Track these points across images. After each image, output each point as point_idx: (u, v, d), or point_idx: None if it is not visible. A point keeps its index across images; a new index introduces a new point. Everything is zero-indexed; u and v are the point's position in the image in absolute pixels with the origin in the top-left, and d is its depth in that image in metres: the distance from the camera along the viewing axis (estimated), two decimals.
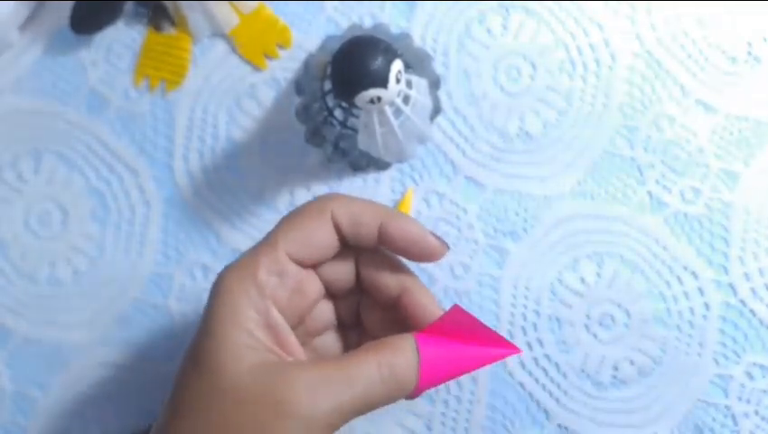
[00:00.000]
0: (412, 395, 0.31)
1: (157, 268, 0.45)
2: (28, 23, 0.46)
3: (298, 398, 0.28)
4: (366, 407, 0.30)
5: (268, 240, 0.32)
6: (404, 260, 0.34)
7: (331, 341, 0.36)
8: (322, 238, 0.32)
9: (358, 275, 0.34)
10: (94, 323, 0.45)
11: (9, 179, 0.46)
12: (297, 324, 0.33)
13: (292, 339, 0.31)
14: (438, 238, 0.33)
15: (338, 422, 0.29)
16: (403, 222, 0.32)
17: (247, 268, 0.31)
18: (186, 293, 0.45)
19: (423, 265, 0.44)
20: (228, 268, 0.31)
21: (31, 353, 0.45)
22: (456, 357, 0.31)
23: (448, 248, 0.33)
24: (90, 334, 0.45)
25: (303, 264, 0.32)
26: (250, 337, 0.30)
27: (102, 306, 0.45)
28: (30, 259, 0.46)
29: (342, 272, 0.34)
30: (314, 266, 0.33)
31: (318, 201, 0.33)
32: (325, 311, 0.35)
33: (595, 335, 0.44)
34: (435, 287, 0.44)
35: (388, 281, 0.33)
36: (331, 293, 0.35)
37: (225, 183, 0.45)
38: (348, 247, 0.33)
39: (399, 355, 0.30)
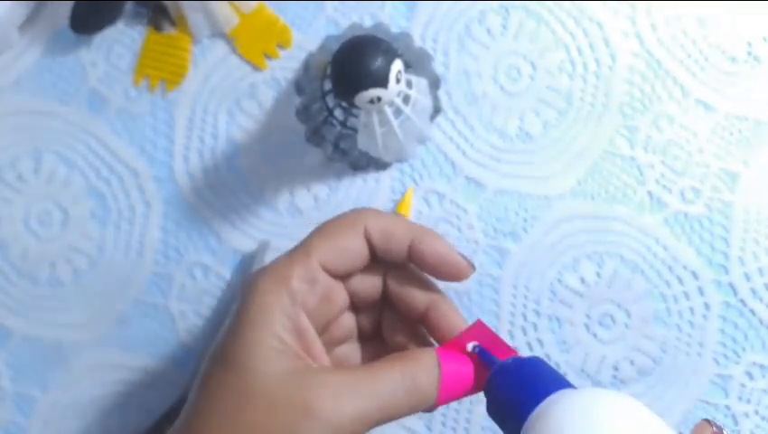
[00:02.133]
0: (431, 409, 0.32)
1: (157, 268, 0.45)
2: (28, 23, 0.46)
3: (325, 403, 0.29)
4: (389, 417, 0.30)
5: (302, 248, 0.33)
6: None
7: (350, 351, 0.36)
8: (354, 250, 0.33)
9: (384, 289, 0.35)
10: (94, 323, 0.45)
11: (9, 179, 0.46)
12: (322, 332, 0.34)
13: (318, 346, 0.32)
14: (465, 258, 0.33)
15: (361, 429, 0.29)
16: (434, 241, 0.33)
17: (281, 274, 0.32)
18: (186, 293, 0.45)
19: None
20: (261, 272, 0.32)
21: (31, 353, 0.45)
22: (475, 374, 0.32)
23: (474, 269, 0.33)
24: (90, 334, 0.45)
25: (333, 274, 0.33)
26: (280, 342, 0.30)
27: (102, 306, 0.45)
28: (30, 259, 0.46)
29: (369, 285, 0.34)
30: (343, 277, 0.34)
31: (352, 213, 0.34)
32: (348, 321, 0.35)
33: (595, 335, 0.44)
34: None
35: (416, 296, 0.34)
36: (355, 304, 0.35)
37: (225, 183, 0.45)
38: (376, 260, 0.34)
39: (423, 368, 0.31)
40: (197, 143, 0.46)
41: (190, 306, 0.45)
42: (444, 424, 0.44)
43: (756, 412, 0.44)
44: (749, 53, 0.45)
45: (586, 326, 0.44)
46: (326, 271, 0.32)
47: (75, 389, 0.45)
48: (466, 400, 0.44)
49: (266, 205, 0.45)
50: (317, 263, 0.32)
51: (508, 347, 0.32)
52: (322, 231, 0.33)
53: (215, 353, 0.31)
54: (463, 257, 0.33)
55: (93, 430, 0.45)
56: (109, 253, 0.45)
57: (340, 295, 0.34)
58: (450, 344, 0.32)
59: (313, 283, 0.32)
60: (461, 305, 0.44)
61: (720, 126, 0.45)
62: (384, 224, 0.33)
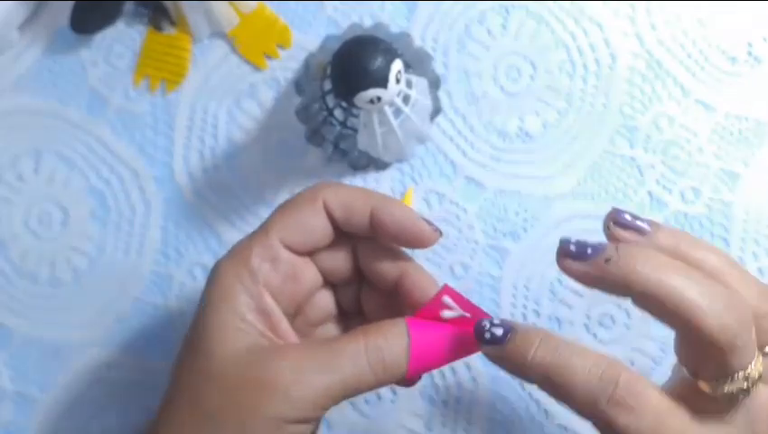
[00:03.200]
0: (406, 381, 0.31)
1: (157, 268, 0.45)
2: (28, 23, 0.46)
3: (283, 379, 0.29)
4: (354, 390, 0.30)
5: (262, 228, 0.33)
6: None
7: (332, 331, 0.36)
8: (314, 224, 0.32)
9: (355, 263, 0.34)
10: (94, 323, 0.45)
11: (9, 179, 0.46)
12: (295, 312, 0.34)
13: (285, 325, 0.32)
14: (430, 223, 0.33)
15: (326, 403, 0.29)
16: (394, 208, 0.32)
17: (240, 255, 0.32)
18: (186, 293, 0.45)
19: (423, 264, 0.44)
20: (223, 257, 0.32)
21: (31, 353, 0.45)
22: (450, 340, 0.31)
23: (440, 234, 0.33)
24: (90, 334, 0.45)
25: (297, 251, 0.33)
26: (242, 321, 0.30)
27: (102, 306, 0.45)
28: (30, 259, 0.46)
29: (339, 260, 0.34)
30: (310, 254, 0.33)
31: (310, 189, 0.33)
32: (325, 300, 0.35)
33: (595, 335, 0.44)
34: None
35: (385, 266, 0.34)
36: (330, 282, 0.35)
37: (225, 183, 0.45)
38: (344, 235, 0.34)
39: (389, 339, 0.30)
40: (197, 143, 0.46)
41: (190, 306, 0.45)
42: (444, 424, 0.44)
43: None
44: (749, 53, 0.45)
45: (586, 326, 0.44)
46: (288, 249, 0.32)
47: (75, 389, 0.45)
48: (466, 400, 0.44)
49: (267, 205, 0.45)
50: (277, 241, 0.32)
51: (481, 311, 0.32)
52: (280, 209, 0.33)
53: (185, 339, 0.31)
54: (428, 222, 0.33)
55: (93, 430, 0.45)
56: (109, 253, 0.45)
57: (308, 272, 0.33)
58: (423, 311, 0.32)
59: (274, 261, 0.32)
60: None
61: (720, 126, 0.45)
62: (343, 197, 0.33)
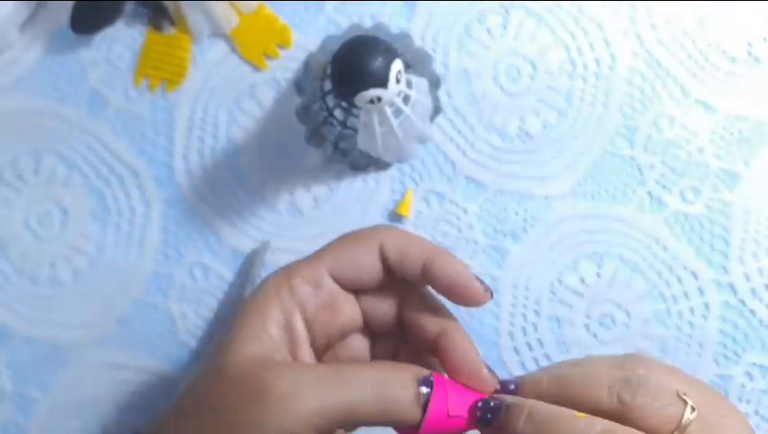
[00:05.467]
0: (417, 429, 0.30)
1: (157, 268, 0.45)
2: (28, 23, 0.46)
3: (281, 388, 0.28)
4: (352, 417, 0.29)
5: (315, 254, 0.33)
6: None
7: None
8: (365, 262, 0.33)
9: (398, 316, 0.34)
10: (94, 323, 0.45)
11: (9, 179, 0.46)
12: (326, 346, 0.33)
13: (306, 350, 0.32)
14: (482, 282, 0.32)
15: (321, 424, 0.28)
16: (449, 262, 0.32)
17: (285, 273, 0.32)
18: (186, 293, 0.45)
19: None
20: (272, 272, 0.33)
21: (31, 353, 0.45)
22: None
23: (492, 295, 0.33)
24: (90, 334, 0.45)
25: (342, 284, 0.33)
26: (265, 332, 0.31)
27: (102, 306, 0.45)
28: (30, 259, 0.46)
29: (383, 306, 0.34)
30: (356, 292, 0.33)
31: (371, 228, 0.34)
32: (359, 345, 0.35)
33: (595, 335, 0.44)
34: None
35: (427, 321, 0.33)
36: (370, 328, 0.34)
37: (225, 183, 0.45)
38: (394, 283, 0.33)
39: (398, 377, 0.30)
40: (197, 143, 0.46)
41: (190, 307, 0.45)
42: None
43: (756, 412, 0.44)
44: (749, 53, 0.45)
45: (586, 327, 0.44)
46: (335, 280, 0.32)
47: (75, 389, 0.45)
48: None
49: (266, 205, 0.45)
50: (325, 269, 0.32)
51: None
52: (337, 240, 0.33)
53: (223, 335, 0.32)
54: (480, 281, 0.32)
55: (93, 430, 0.45)
56: (109, 253, 0.45)
57: (348, 308, 0.33)
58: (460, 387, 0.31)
59: (316, 286, 0.32)
60: None
61: (720, 126, 0.45)
62: (400, 241, 0.33)
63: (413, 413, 0.30)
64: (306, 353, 0.32)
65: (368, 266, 0.33)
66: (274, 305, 0.31)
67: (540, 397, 0.30)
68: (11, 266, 0.46)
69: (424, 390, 0.30)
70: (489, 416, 0.30)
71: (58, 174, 0.46)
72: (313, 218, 0.45)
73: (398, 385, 0.30)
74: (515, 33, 0.46)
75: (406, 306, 0.34)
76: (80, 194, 0.46)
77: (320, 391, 0.29)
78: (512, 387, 0.31)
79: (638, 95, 0.45)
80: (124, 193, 0.46)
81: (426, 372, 0.30)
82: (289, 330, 0.31)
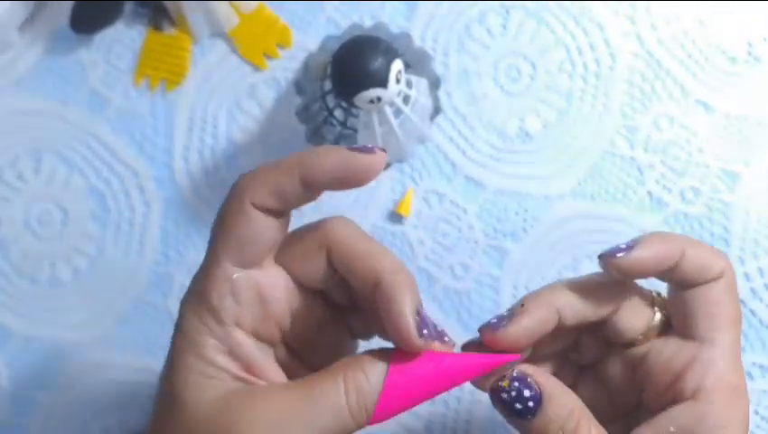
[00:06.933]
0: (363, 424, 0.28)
1: (157, 268, 0.45)
2: (28, 23, 0.46)
3: None
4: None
5: (211, 255, 0.29)
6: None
7: (331, 334, 0.32)
8: (254, 230, 0.29)
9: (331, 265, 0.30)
10: (94, 323, 0.45)
11: (9, 179, 0.46)
12: (282, 330, 0.30)
13: (262, 360, 0.29)
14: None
15: None
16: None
17: (199, 294, 0.28)
18: None
19: (423, 265, 0.44)
20: (184, 297, 0.29)
21: (31, 353, 0.45)
22: (436, 373, 0.28)
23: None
24: (90, 334, 0.45)
25: (251, 265, 0.29)
26: (212, 367, 0.28)
27: (102, 306, 0.45)
28: (30, 259, 0.46)
29: (314, 264, 0.30)
30: (260, 265, 0.30)
31: (228, 202, 0.30)
32: (312, 307, 0.31)
33: None
34: (436, 287, 0.44)
35: (361, 273, 0.29)
36: (313, 287, 0.31)
37: (225, 184, 0.45)
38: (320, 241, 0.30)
39: (370, 378, 0.27)
40: (197, 143, 0.46)
41: None
42: (443, 424, 0.44)
43: (756, 412, 0.44)
44: (749, 53, 0.45)
45: None
46: (240, 265, 0.28)
47: (75, 389, 0.45)
48: (466, 400, 0.44)
49: None
50: (229, 265, 0.28)
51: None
52: (217, 225, 0.29)
53: (158, 387, 0.29)
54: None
55: (93, 430, 0.45)
56: (109, 253, 0.45)
57: (276, 289, 0.30)
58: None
59: (234, 293, 0.28)
60: (461, 305, 0.44)
61: (720, 126, 0.45)
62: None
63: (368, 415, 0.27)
64: (263, 363, 0.29)
65: (260, 231, 0.28)
66: (204, 334, 0.28)
67: None
68: (11, 266, 0.46)
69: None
70: (525, 406, 0.28)
71: (58, 174, 0.46)
72: (313, 218, 0.45)
73: (371, 389, 0.27)
74: (515, 33, 0.46)
75: (334, 261, 0.30)
76: (80, 194, 0.46)
77: (297, 428, 0.26)
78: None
79: (638, 95, 0.45)
80: (124, 193, 0.46)
81: (382, 362, 0.27)
82: (232, 352, 0.28)
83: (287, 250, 0.30)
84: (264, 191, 0.28)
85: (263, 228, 0.29)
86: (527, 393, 0.28)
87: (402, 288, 0.28)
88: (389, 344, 0.29)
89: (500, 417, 0.29)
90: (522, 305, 0.30)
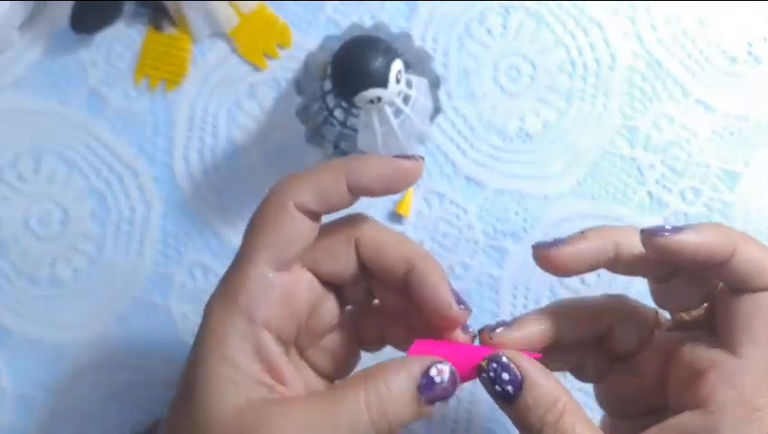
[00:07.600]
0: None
1: (157, 268, 0.45)
2: (28, 23, 0.46)
3: None
4: None
5: (244, 254, 0.29)
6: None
7: (336, 340, 0.33)
8: (295, 231, 0.29)
9: (360, 259, 0.31)
10: (94, 323, 0.45)
11: (9, 179, 0.46)
12: (298, 330, 0.31)
13: (282, 364, 0.29)
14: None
15: None
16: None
17: (229, 293, 0.29)
18: (186, 293, 0.45)
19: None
20: (213, 295, 0.29)
21: (31, 353, 0.45)
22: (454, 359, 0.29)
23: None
24: (90, 334, 0.45)
25: (284, 266, 0.29)
26: (236, 371, 0.28)
27: (102, 306, 0.45)
28: (30, 259, 0.46)
29: (340, 261, 0.31)
30: (295, 262, 0.30)
31: (268, 199, 0.30)
32: (327, 308, 0.32)
33: None
34: None
35: (392, 260, 0.31)
36: (333, 284, 0.32)
37: (225, 183, 0.45)
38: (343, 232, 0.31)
39: (393, 389, 0.27)
40: (197, 143, 0.46)
41: (190, 306, 0.45)
42: (443, 424, 0.44)
43: None
44: (749, 53, 0.45)
45: None
46: (275, 266, 0.29)
47: (75, 389, 0.45)
48: (466, 400, 0.44)
49: None
50: (264, 266, 0.29)
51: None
52: (255, 228, 0.30)
53: (179, 384, 0.29)
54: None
55: (93, 430, 0.45)
56: (109, 253, 0.45)
57: (301, 287, 0.30)
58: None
59: (267, 293, 0.28)
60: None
61: (720, 126, 0.45)
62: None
63: (412, 414, 0.27)
64: (286, 367, 0.29)
65: (299, 232, 0.29)
66: (230, 335, 0.28)
67: None
68: (11, 266, 0.46)
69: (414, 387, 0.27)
70: (503, 389, 0.28)
71: (58, 174, 0.46)
72: None
73: (392, 399, 0.27)
74: (515, 33, 0.46)
75: (363, 250, 0.31)
76: (80, 194, 0.46)
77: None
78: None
79: (638, 95, 0.45)
80: (124, 193, 0.46)
81: (410, 367, 0.28)
82: (259, 353, 0.28)
83: (315, 246, 0.31)
84: (307, 192, 0.29)
85: (304, 229, 0.29)
86: (505, 376, 0.28)
87: (437, 268, 0.30)
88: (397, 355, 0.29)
89: (500, 415, 0.29)
90: (582, 232, 0.32)
